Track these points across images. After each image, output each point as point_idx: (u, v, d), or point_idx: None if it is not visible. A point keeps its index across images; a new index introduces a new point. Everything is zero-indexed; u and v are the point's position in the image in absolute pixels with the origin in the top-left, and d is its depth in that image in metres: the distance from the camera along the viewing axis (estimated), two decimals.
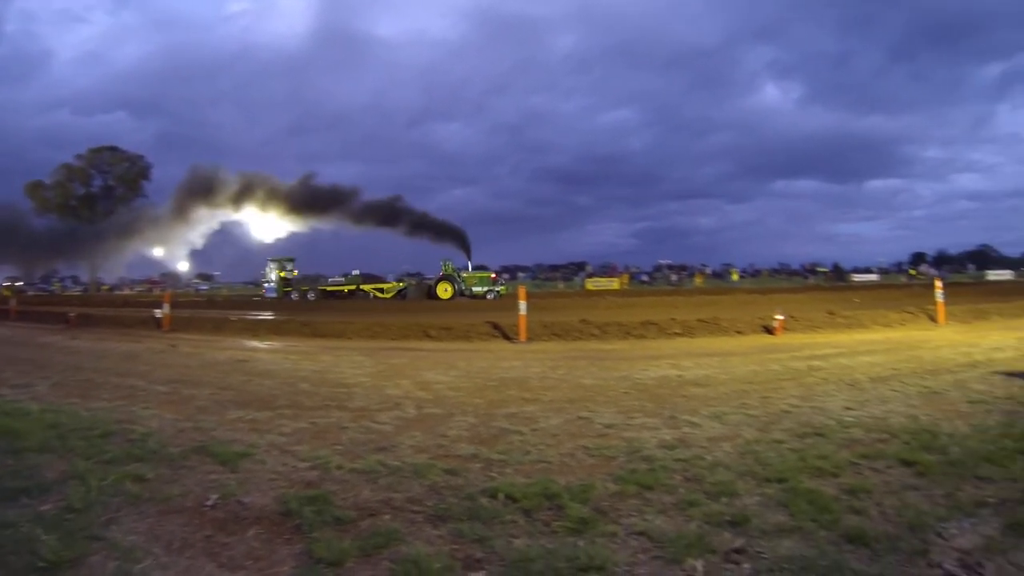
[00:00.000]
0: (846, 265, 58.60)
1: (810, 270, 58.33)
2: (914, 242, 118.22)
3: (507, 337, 9.69)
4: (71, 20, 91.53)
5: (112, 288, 47.10)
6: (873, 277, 52.79)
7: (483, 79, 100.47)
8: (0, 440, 3.46)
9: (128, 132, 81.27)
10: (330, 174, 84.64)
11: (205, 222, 33.75)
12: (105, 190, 47.64)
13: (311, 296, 28.98)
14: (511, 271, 34.13)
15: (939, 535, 2.35)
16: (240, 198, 32.52)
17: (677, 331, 9.92)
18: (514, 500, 2.61)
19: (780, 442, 3.52)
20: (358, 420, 4.09)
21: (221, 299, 29.46)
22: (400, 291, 29.49)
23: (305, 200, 33.04)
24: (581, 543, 2.23)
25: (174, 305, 13.05)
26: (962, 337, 9.02)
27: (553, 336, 9.72)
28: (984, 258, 63.54)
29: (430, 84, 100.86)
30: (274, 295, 29.76)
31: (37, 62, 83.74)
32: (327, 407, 4.53)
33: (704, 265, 59.82)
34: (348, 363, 6.98)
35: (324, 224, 34.16)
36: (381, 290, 29.33)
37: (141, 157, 49.17)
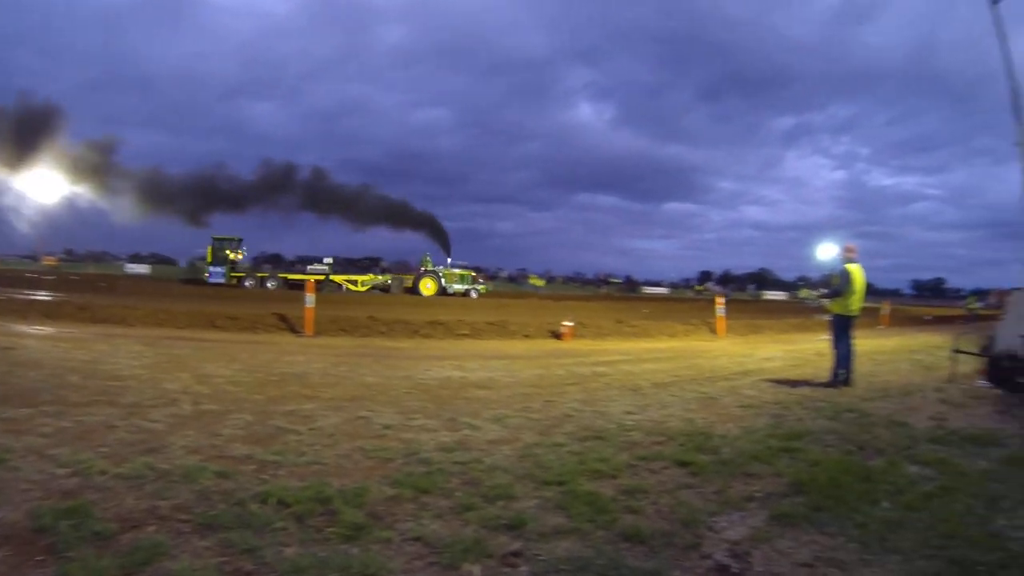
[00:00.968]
0: (639, 278, 65.18)
1: (604, 280, 64.01)
2: (703, 261, 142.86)
3: (294, 330, 9.66)
4: None
5: None
6: (663, 290, 59.14)
7: (304, 61, 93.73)
8: None
9: None
10: (132, 140, 72.97)
11: None
12: None
13: (271, 285, 24.90)
14: (307, 262, 33.06)
15: (710, 529, 2.51)
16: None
17: (465, 332, 10.32)
18: (286, 505, 2.53)
19: (561, 445, 3.59)
20: (129, 418, 3.85)
21: None
22: (378, 285, 26.96)
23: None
24: (355, 550, 2.19)
25: None
26: (738, 348, 9.91)
27: (340, 331, 9.79)
28: (763, 280, 74.28)
29: (249, 58, 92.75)
30: (220, 281, 24.86)
31: None
32: (96, 403, 4.23)
33: (500, 269, 63.97)
34: (125, 353, 6.52)
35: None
36: (354, 282, 26.49)
37: None
